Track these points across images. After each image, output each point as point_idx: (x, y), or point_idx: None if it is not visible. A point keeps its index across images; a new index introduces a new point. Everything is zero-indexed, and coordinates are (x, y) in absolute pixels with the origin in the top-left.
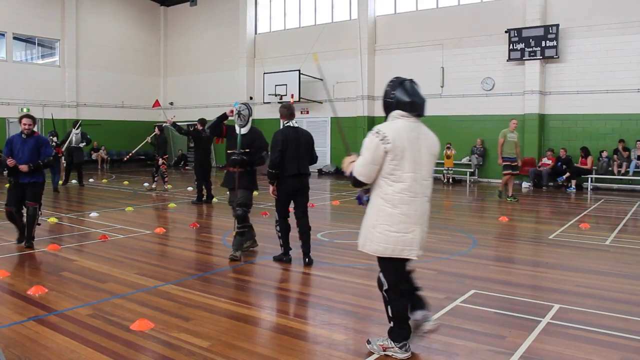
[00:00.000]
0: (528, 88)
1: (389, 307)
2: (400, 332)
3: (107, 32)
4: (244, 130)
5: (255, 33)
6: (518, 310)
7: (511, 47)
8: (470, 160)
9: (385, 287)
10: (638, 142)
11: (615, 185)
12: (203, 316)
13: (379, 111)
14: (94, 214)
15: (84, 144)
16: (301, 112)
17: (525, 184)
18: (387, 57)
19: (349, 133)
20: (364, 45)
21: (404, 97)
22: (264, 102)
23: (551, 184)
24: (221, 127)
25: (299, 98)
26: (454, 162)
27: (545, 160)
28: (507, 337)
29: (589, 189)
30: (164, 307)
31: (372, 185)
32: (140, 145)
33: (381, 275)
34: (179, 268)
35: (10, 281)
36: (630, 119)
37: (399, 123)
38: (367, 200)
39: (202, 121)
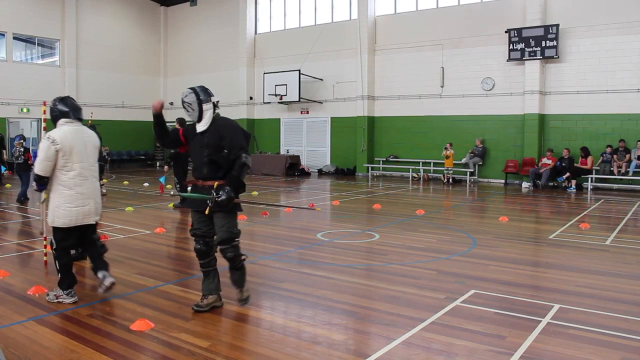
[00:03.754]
0: (528, 88)
1: (57, 261)
2: (66, 281)
3: (107, 32)
4: (201, 127)
5: (255, 33)
6: (518, 310)
7: (511, 47)
8: (466, 162)
9: (54, 246)
10: (638, 142)
11: (615, 185)
12: (203, 316)
13: (379, 111)
14: None
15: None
16: (301, 112)
17: (525, 184)
18: (387, 57)
19: (349, 133)
20: (364, 45)
21: (64, 109)
22: (264, 102)
23: (551, 184)
24: (167, 133)
25: (299, 98)
26: (454, 162)
27: (545, 160)
28: (507, 337)
29: (589, 189)
30: (164, 307)
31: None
32: None
33: (52, 238)
34: (179, 268)
35: (10, 281)
36: (630, 119)
37: (65, 128)
38: (42, 189)
39: (181, 121)
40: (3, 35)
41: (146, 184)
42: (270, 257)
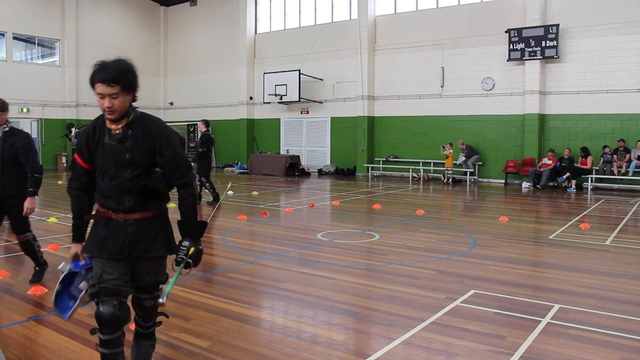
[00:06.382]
0: (528, 88)
1: None
2: None
3: (107, 32)
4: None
5: (255, 33)
6: (518, 310)
7: (511, 47)
8: (464, 163)
9: None
10: (638, 142)
11: (615, 185)
12: (203, 316)
13: (379, 111)
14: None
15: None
16: (301, 112)
17: (525, 184)
18: (387, 57)
19: (349, 133)
20: (364, 45)
21: None
22: (264, 102)
23: (551, 184)
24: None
25: (299, 98)
26: (455, 162)
27: (545, 161)
28: (507, 337)
29: (589, 189)
30: (163, 307)
31: None
32: None
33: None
34: None
35: (10, 281)
36: (630, 119)
37: None
38: None
39: (206, 122)
40: (3, 35)
41: None
42: (270, 257)
